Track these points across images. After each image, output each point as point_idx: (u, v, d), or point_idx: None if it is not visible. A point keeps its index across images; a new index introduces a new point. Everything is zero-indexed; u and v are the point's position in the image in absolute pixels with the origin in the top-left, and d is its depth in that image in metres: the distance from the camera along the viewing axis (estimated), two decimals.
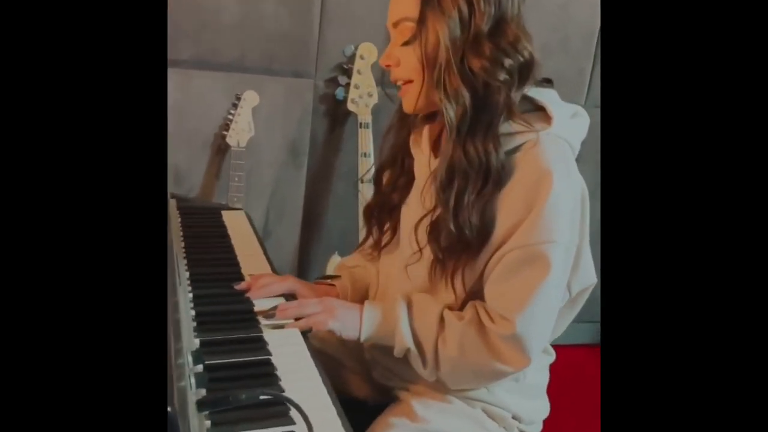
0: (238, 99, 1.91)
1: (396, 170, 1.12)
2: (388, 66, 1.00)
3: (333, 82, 2.00)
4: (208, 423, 0.74)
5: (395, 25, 0.98)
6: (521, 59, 0.93)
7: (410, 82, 0.98)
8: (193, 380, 0.76)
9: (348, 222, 1.99)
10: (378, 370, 1.13)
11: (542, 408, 1.12)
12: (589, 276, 1.02)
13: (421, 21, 0.94)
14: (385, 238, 1.13)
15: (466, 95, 0.92)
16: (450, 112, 0.92)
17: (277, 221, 2.08)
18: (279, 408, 0.77)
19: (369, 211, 1.16)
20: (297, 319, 1.01)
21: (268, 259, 1.26)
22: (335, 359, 1.18)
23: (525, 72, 0.94)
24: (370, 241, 1.17)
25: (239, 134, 1.91)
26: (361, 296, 1.18)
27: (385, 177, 1.14)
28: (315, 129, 2.06)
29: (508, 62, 0.92)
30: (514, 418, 1.05)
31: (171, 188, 1.95)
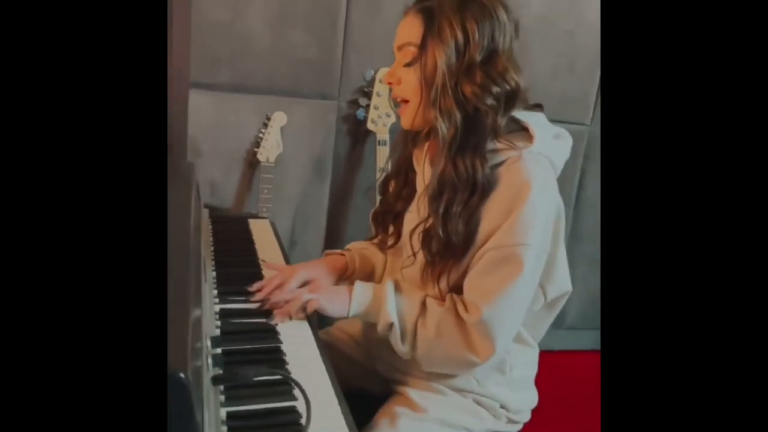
0: (268, 119, 1.98)
1: (400, 182, 1.18)
2: (390, 83, 1.07)
3: (354, 103, 2.06)
4: (222, 397, 0.83)
5: (400, 48, 1.04)
6: (508, 88, 0.99)
7: (407, 102, 1.04)
8: (210, 361, 0.83)
9: (368, 232, 2.05)
10: (382, 364, 1.19)
11: (529, 399, 1.16)
12: (564, 284, 1.07)
13: (423, 46, 1.00)
14: (390, 241, 1.20)
15: (458, 116, 0.98)
16: (443, 129, 0.98)
17: (303, 231, 2.15)
18: (284, 387, 0.85)
19: (375, 215, 1.23)
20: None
21: (287, 261, 1.33)
22: (346, 355, 1.26)
23: (511, 99, 1.00)
24: (378, 240, 1.24)
25: (269, 151, 1.98)
26: (365, 273, 1.23)
27: (391, 187, 1.21)
28: (338, 146, 2.12)
29: (496, 90, 0.98)
30: (502, 407, 1.10)
31: (207, 199, 2.05)
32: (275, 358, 0.94)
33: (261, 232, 1.47)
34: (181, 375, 0.62)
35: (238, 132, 2.02)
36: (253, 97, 2.00)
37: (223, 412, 0.81)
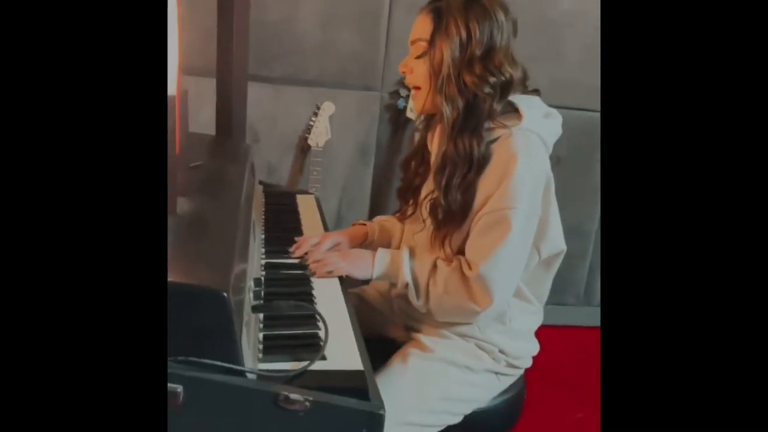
0: (318, 108, 2.14)
1: (418, 161, 1.32)
2: (404, 72, 1.21)
3: (395, 94, 2.20)
4: (261, 325, 1.01)
5: (413, 42, 1.18)
6: (503, 79, 1.11)
7: (418, 88, 1.18)
8: (251, 296, 1.01)
9: None
10: (402, 316, 1.34)
11: (528, 348, 1.28)
12: (557, 243, 1.18)
13: (432, 42, 1.13)
14: (409, 211, 1.34)
15: (459, 102, 1.11)
16: (448, 113, 1.12)
17: (348, 209, 2.31)
18: (310, 319, 1.02)
19: (399, 190, 1.38)
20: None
21: (324, 226, 1.50)
22: (375, 308, 1.41)
23: (505, 89, 1.12)
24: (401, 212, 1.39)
25: (318, 137, 2.14)
26: (384, 242, 1.38)
27: (412, 165, 1.34)
28: (380, 133, 2.26)
29: (492, 80, 1.11)
30: (501, 352, 1.22)
31: (265, 179, 2.24)
32: (306, 299, 1.11)
33: (306, 205, 1.65)
34: (224, 294, 0.80)
35: (292, 120, 2.19)
36: (305, 89, 2.17)
37: (260, 335, 0.98)
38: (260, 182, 1.79)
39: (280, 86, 2.16)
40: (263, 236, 1.39)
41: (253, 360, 0.90)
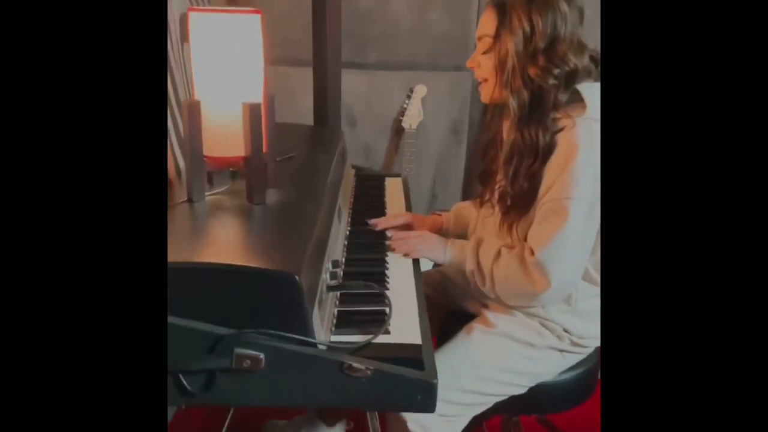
0: (411, 91, 2.25)
1: (494, 149, 1.39)
2: (471, 67, 1.28)
3: None
4: (336, 301, 1.16)
5: (479, 38, 1.25)
6: (567, 69, 1.16)
7: (486, 80, 1.26)
8: (328, 275, 1.16)
9: None
10: (478, 292, 1.40)
11: (596, 329, 1.31)
12: None
13: (497, 37, 1.20)
14: (486, 195, 1.42)
15: (525, 94, 1.17)
16: (514, 105, 1.19)
17: (442, 188, 2.41)
18: (380, 297, 1.16)
19: (479, 175, 1.46)
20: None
21: (408, 207, 1.63)
22: (456, 284, 1.52)
23: (570, 78, 1.16)
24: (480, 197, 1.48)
25: (411, 119, 2.25)
26: (460, 229, 1.48)
27: (488, 152, 1.42)
28: (472, 113, 2.32)
29: (556, 71, 1.15)
30: (565, 331, 1.29)
31: (362, 161, 2.39)
32: (380, 279, 1.24)
33: (393, 187, 1.78)
34: (296, 277, 0.95)
35: (386, 103, 2.32)
36: (398, 73, 2.28)
37: (335, 310, 1.14)
38: (353, 166, 1.94)
39: (374, 71, 2.29)
40: (349, 218, 1.55)
41: (326, 331, 1.05)
